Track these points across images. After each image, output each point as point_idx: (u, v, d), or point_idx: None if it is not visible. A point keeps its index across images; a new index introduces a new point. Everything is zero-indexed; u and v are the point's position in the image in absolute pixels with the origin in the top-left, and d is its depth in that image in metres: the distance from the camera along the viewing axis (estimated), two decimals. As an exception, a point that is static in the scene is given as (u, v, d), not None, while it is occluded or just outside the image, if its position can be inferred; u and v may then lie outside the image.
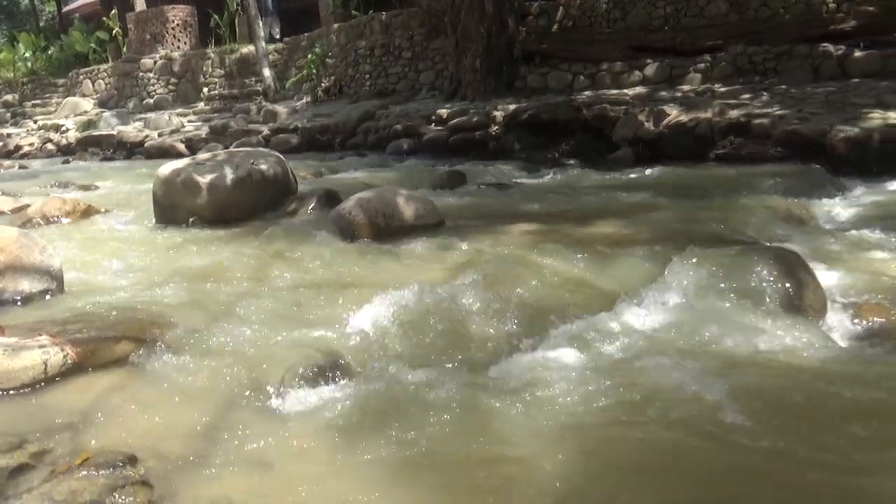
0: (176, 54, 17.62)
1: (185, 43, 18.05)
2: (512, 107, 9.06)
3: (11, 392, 2.13)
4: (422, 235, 4.12)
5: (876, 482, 1.52)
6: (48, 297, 3.21)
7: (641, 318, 2.46)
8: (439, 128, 9.41)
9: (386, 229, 4.23)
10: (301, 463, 1.70)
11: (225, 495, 1.57)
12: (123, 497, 1.53)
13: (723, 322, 2.27)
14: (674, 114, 7.51)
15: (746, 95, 8.05)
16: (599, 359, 2.22)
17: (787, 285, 2.45)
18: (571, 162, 7.68)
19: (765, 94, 8.06)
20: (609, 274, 3.10)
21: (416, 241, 4.00)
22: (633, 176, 6.40)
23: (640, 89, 9.46)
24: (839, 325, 2.42)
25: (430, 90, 12.29)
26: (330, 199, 5.33)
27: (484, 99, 10.26)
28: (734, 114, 7.13)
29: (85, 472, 1.62)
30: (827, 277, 2.89)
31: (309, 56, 14.49)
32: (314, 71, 14.20)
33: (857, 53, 8.55)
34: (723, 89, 8.65)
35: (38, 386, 2.16)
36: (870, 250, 3.42)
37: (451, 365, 2.33)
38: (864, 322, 2.41)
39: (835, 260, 3.22)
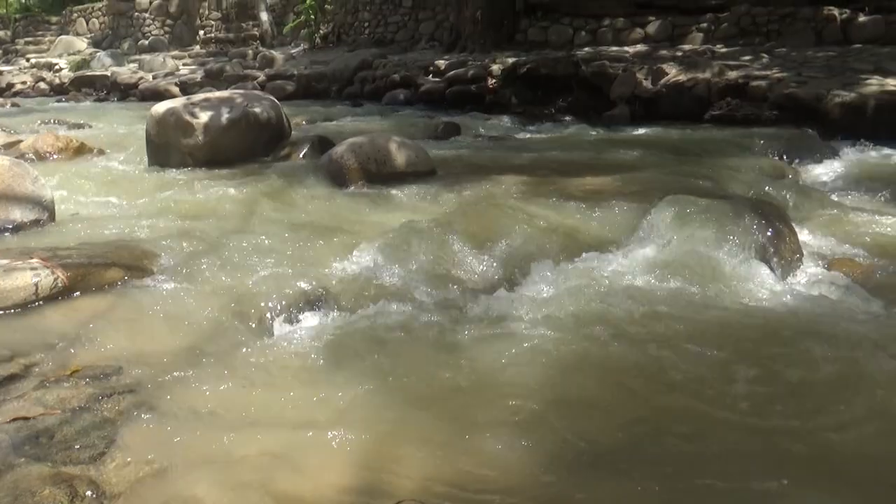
0: (172, -5, 17.27)
1: (181, -17, 17.65)
2: (510, 60, 8.98)
3: (3, 311, 2.19)
4: (413, 182, 4.15)
5: (813, 410, 1.61)
6: (40, 226, 3.26)
7: (620, 262, 2.52)
8: (437, 79, 9.33)
9: (377, 175, 4.25)
10: (281, 383, 1.78)
11: (207, 405, 1.65)
12: (110, 403, 1.61)
13: (697, 267, 2.34)
14: (672, 73, 7.46)
15: (747, 57, 7.99)
16: (578, 298, 2.28)
17: (764, 235, 2.51)
18: (567, 118, 7.66)
19: (765, 56, 7.99)
20: (594, 222, 3.16)
21: (407, 188, 4.03)
22: (628, 133, 6.40)
23: (640, 47, 9.37)
24: (810, 276, 2.49)
25: (429, 41, 12.13)
26: (323, 144, 5.34)
27: (483, 51, 10.15)
28: (733, 75, 7.10)
29: (74, 382, 1.70)
30: (805, 232, 2.96)
31: (307, 1, 14.23)
32: (312, 17, 13.97)
33: (861, 18, 8.47)
34: (724, 50, 8.58)
35: (29, 306, 2.22)
36: (850, 211, 3.48)
37: (435, 303, 2.39)
38: (835, 273, 2.48)
39: (815, 217, 3.29)
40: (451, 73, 9.18)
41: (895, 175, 4.41)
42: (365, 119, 8.11)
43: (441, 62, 9.65)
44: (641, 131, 6.39)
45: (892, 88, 6.03)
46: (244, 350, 1.95)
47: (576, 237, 2.93)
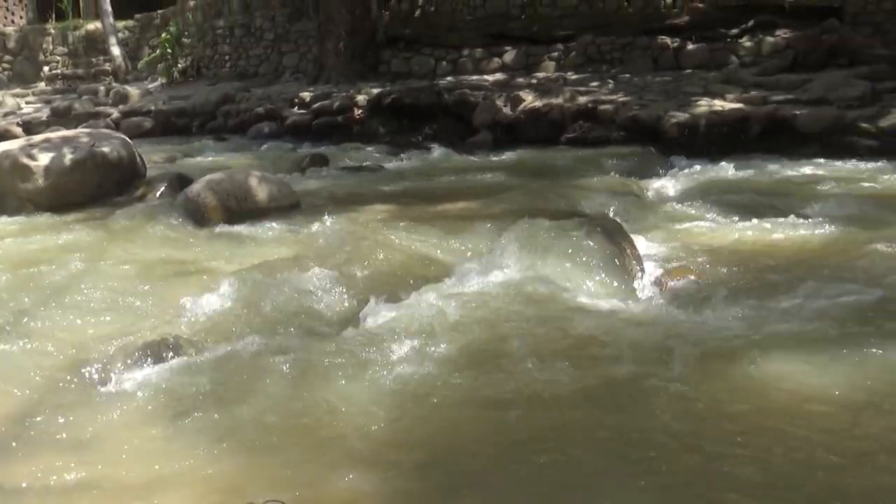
0: (10, 29, 16.04)
1: (20, 17, 16.45)
2: (375, 91, 9.07)
3: None
4: (276, 217, 4.08)
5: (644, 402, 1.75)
6: None
7: (475, 285, 2.60)
8: (302, 111, 9.24)
9: (238, 211, 4.13)
10: (123, 440, 1.68)
11: (39, 474, 1.52)
12: (-84, 485, 1.45)
13: (544, 286, 2.46)
14: (529, 99, 7.84)
15: (595, 83, 8.56)
16: (435, 326, 2.33)
17: (607, 250, 2.70)
18: (433, 145, 7.81)
19: (611, 81, 8.61)
20: (455, 245, 3.25)
21: (270, 223, 3.96)
22: (490, 159, 6.64)
23: (499, 75, 9.79)
24: (649, 284, 2.69)
25: (293, 73, 12.00)
26: (182, 182, 5.12)
27: (348, 82, 10.18)
28: (583, 100, 7.57)
29: None
30: (646, 243, 3.20)
31: (163, 35, 13.68)
32: (169, 51, 13.42)
33: (690, 46, 9.35)
34: (574, 77, 9.15)
35: None
36: (686, 221, 3.81)
37: (292, 339, 2.35)
38: (671, 281, 2.70)
39: (655, 229, 3.57)
40: (317, 104, 9.14)
41: (724, 187, 4.87)
42: (229, 154, 7.89)
43: (306, 94, 9.58)
44: (503, 156, 6.66)
45: (719, 109, 6.69)
46: (82, 409, 1.82)
47: (434, 264, 3.00)
